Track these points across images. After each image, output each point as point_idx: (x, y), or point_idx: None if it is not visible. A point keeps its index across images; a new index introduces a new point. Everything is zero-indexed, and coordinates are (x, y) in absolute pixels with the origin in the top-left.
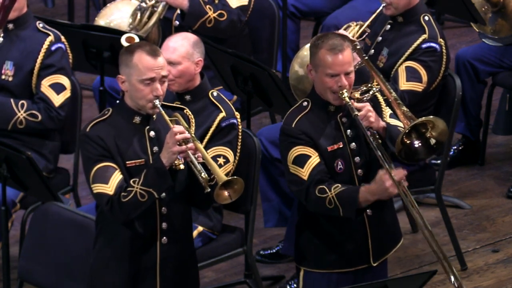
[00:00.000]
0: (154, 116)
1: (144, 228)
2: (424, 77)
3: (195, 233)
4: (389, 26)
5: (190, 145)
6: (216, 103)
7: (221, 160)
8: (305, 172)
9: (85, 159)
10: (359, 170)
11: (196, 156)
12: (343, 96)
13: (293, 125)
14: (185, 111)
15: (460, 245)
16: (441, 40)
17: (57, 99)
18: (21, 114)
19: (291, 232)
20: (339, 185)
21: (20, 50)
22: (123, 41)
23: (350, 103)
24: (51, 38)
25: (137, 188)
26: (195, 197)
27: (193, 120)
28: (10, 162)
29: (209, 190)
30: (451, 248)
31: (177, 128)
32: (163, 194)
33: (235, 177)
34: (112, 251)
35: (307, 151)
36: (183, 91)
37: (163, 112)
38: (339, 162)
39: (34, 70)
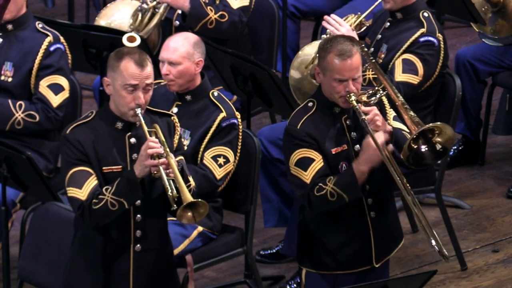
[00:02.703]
0: (137, 123)
1: (118, 235)
2: (421, 70)
3: (195, 233)
4: (388, 23)
5: (163, 160)
6: (217, 103)
7: (221, 160)
8: (308, 176)
9: (63, 161)
10: None
11: (167, 171)
12: (351, 100)
13: (298, 127)
14: (172, 118)
15: (460, 245)
16: (439, 35)
17: (55, 100)
18: (19, 115)
19: (291, 232)
20: (331, 176)
21: (19, 51)
22: (125, 41)
23: (357, 107)
24: (50, 38)
25: (108, 196)
26: (171, 207)
27: (179, 129)
28: (10, 162)
29: (175, 207)
30: (451, 248)
31: (151, 141)
32: (138, 201)
33: (200, 200)
34: (85, 257)
35: (311, 155)
36: (184, 91)
37: (143, 122)
38: (344, 165)
39: (32, 71)
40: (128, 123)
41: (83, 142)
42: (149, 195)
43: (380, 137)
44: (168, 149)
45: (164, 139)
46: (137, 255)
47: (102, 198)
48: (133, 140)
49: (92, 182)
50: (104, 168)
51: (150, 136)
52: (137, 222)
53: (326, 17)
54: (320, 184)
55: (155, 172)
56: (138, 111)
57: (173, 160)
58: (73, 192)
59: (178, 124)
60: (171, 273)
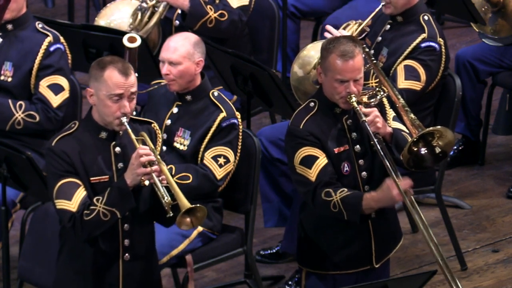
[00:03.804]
0: (120, 132)
1: (106, 245)
2: (423, 76)
3: (195, 233)
4: (388, 26)
5: (155, 167)
6: (217, 103)
7: (221, 160)
8: (312, 173)
9: (49, 173)
10: (363, 173)
11: (160, 178)
12: (351, 101)
13: (301, 126)
14: (152, 125)
15: (460, 245)
16: (440, 39)
17: (55, 100)
18: (19, 115)
19: (290, 229)
20: (345, 189)
21: (18, 51)
22: (125, 41)
23: (358, 108)
24: (49, 38)
25: (100, 207)
26: (160, 215)
27: (160, 136)
28: (10, 162)
29: (171, 214)
30: (451, 248)
31: (142, 149)
32: None
33: (198, 204)
34: (74, 268)
35: (314, 152)
36: (184, 91)
37: (129, 130)
38: (346, 164)
39: (32, 71)
40: (112, 133)
41: (69, 153)
42: (136, 203)
43: (405, 183)
44: (159, 156)
45: (153, 146)
46: (126, 264)
47: (93, 209)
48: (118, 149)
49: (81, 193)
50: (91, 178)
51: (138, 144)
52: (125, 231)
53: (327, 27)
54: (330, 190)
55: (146, 180)
56: (124, 120)
57: (165, 167)
58: (62, 204)
59: (159, 131)
60: (157, 281)
